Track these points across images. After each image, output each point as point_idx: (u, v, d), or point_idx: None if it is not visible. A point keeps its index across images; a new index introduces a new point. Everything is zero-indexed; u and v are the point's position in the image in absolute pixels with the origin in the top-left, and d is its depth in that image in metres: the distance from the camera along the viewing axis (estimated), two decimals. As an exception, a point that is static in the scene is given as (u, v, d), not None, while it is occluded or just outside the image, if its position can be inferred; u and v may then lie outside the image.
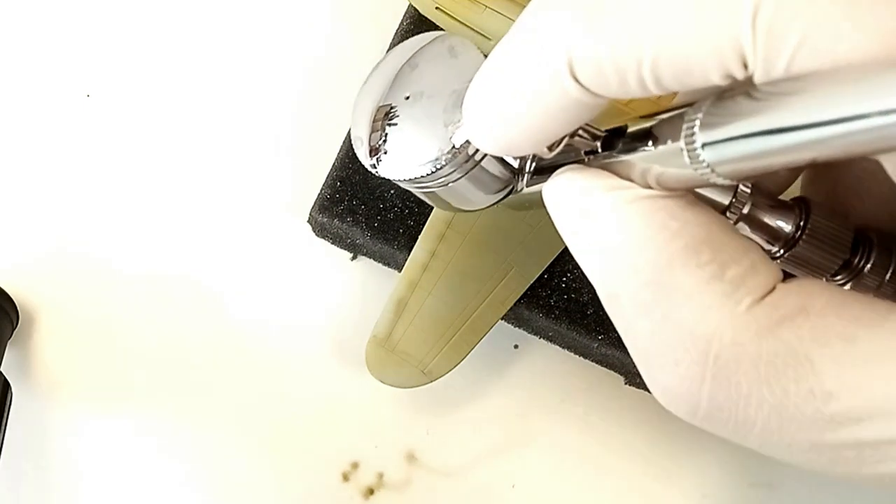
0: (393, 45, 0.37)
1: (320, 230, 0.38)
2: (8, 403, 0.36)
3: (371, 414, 0.38)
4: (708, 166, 0.17)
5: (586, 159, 0.20)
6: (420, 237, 0.35)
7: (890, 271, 0.20)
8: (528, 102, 0.18)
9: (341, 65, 0.41)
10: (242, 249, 0.40)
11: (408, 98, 0.24)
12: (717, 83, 0.17)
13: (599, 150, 0.20)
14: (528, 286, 0.34)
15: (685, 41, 0.16)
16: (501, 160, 0.23)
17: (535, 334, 0.38)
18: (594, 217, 0.19)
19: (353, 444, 0.38)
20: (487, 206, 0.25)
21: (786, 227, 0.20)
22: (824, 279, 0.21)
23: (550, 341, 0.38)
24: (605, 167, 0.20)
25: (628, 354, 0.35)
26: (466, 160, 0.23)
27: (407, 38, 0.37)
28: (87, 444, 0.38)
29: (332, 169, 0.36)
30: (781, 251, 0.20)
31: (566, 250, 0.35)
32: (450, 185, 0.23)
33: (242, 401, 0.39)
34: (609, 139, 0.20)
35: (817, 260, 0.20)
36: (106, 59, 0.41)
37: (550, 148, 0.20)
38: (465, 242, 0.34)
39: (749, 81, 0.16)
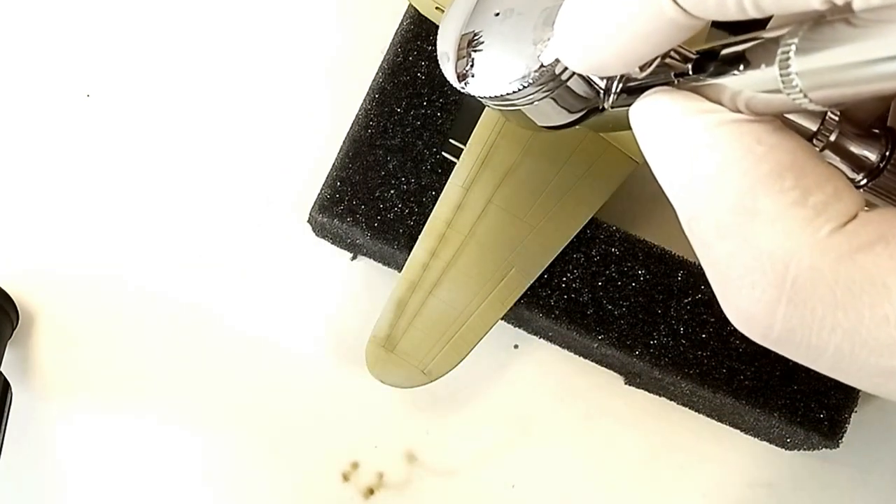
0: (393, 44, 0.37)
1: (320, 230, 0.38)
2: (8, 403, 0.36)
3: (371, 414, 0.38)
4: (801, 92, 0.17)
5: (675, 81, 0.20)
6: (420, 237, 0.35)
7: None
8: (622, 22, 0.18)
9: (341, 64, 0.41)
10: (242, 249, 0.40)
11: (497, 15, 0.24)
12: (816, 8, 0.17)
13: (690, 72, 0.20)
14: (528, 286, 0.34)
15: None
16: (588, 80, 0.23)
17: (535, 334, 0.38)
18: (681, 139, 0.19)
19: (353, 444, 0.38)
20: (567, 125, 0.24)
21: (871, 156, 0.20)
22: None
23: (550, 341, 0.38)
24: (694, 90, 0.20)
25: (628, 355, 0.35)
26: (553, 79, 0.22)
27: (407, 37, 0.37)
28: (86, 443, 0.38)
29: (332, 169, 0.36)
30: (865, 180, 0.20)
31: (566, 250, 0.35)
32: (535, 103, 0.23)
33: (242, 401, 0.39)
34: (700, 62, 0.20)
35: None
36: (106, 59, 0.41)
37: (641, 69, 0.20)
38: (465, 242, 0.34)
39: (848, 8, 0.16)
